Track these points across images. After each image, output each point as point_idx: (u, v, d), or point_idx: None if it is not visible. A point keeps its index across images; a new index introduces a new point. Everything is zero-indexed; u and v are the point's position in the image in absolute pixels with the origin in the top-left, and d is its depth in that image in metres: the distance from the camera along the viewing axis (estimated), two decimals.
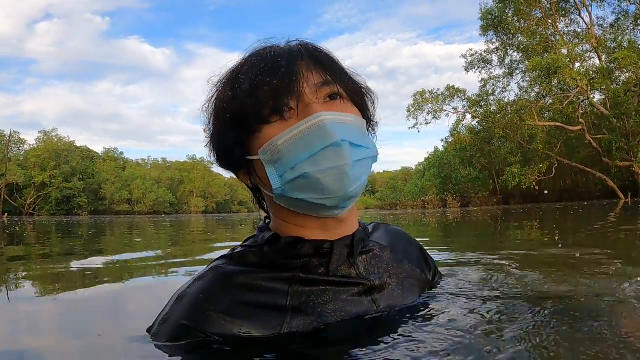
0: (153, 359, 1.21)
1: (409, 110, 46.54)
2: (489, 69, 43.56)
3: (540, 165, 40.16)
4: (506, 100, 41.70)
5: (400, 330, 1.25)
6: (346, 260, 1.37)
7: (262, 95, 1.27)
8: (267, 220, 1.50)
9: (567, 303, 1.47)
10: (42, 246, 7.67)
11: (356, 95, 1.42)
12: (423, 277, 1.63)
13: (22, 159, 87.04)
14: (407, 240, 1.72)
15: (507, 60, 42.40)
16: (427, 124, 46.05)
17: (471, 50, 43.76)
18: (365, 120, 1.43)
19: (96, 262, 4.99)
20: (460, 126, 50.10)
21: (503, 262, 2.55)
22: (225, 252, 1.42)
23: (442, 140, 62.12)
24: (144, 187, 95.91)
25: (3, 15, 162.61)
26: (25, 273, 4.04)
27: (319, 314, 1.27)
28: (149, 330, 1.32)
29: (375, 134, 1.54)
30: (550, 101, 38.03)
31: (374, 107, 1.51)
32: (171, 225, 18.08)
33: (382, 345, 1.17)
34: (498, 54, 42.42)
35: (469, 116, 45.56)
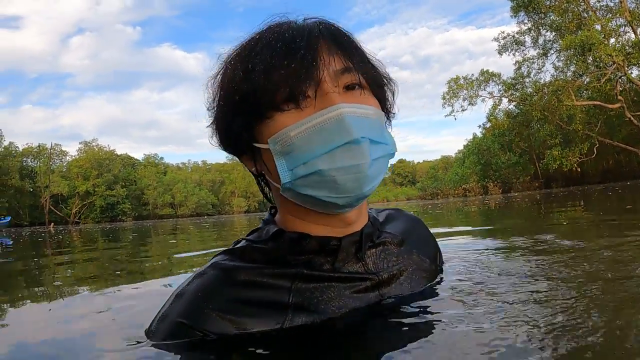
0: (149, 358, 1.18)
1: (444, 98, 46.25)
2: (523, 50, 42.80)
3: (581, 146, 39.46)
4: (542, 81, 41.03)
5: (405, 324, 1.21)
6: (353, 257, 1.30)
7: (276, 79, 1.16)
8: (273, 211, 1.44)
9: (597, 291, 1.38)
10: (88, 251, 7.80)
11: (376, 85, 1.32)
12: (432, 268, 1.55)
13: (64, 170, 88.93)
14: (419, 227, 1.65)
15: (541, 41, 41.60)
16: (463, 110, 45.74)
17: (503, 32, 43.06)
18: (383, 113, 1.34)
19: (141, 262, 5.06)
20: (497, 111, 49.21)
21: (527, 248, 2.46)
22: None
23: (479, 127, 61.79)
24: (186, 190, 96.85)
25: (37, 33, 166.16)
26: (69, 274, 4.15)
27: (322, 310, 1.22)
28: (146, 330, 1.29)
29: (391, 124, 1.44)
30: (587, 80, 37.16)
31: (394, 97, 1.41)
32: (214, 225, 18.23)
33: (386, 341, 1.15)
34: (531, 34, 41.62)
35: (505, 100, 45.10)
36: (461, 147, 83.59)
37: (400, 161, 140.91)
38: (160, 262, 4.54)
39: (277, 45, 1.19)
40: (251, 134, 1.25)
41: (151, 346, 1.20)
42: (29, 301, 2.73)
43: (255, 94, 1.18)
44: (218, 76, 1.32)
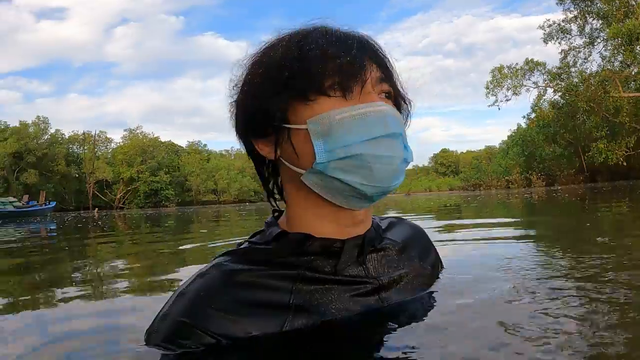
0: (149, 357, 1.17)
1: (487, 87, 45.91)
2: (569, 39, 42.03)
3: (628, 140, 38.58)
4: (588, 71, 40.35)
5: (404, 328, 1.22)
6: (355, 260, 1.31)
7: (331, 66, 1.21)
8: (276, 214, 1.44)
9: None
10: (132, 235, 8.09)
11: (401, 98, 1.39)
12: (433, 275, 1.58)
13: (109, 156, 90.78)
14: (420, 236, 1.65)
15: (587, 29, 40.78)
16: (507, 100, 45.31)
17: (549, 20, 42.32)
18: None
19: (182, 246, 5.16)
20: (541, 101, 48.58)
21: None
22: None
23: (524, 117, 60.38)
24: (229, 177, 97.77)
25: (81, 24, 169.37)
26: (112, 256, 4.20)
27: (322, 312, 1.22)
28: (148, 329, 1.26)
29: None
30: (635, 70, 36.24)
31: (408, 118, 1.45)
32: (255, 212, 18.41)
33: (384, 343, 1.16)
34: (577, 22, 40.80)
35: (550, 90, 44.52)
36: (505, 138, 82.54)
37: (444, 151, 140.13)
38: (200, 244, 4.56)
39: (331, 39, 1.26)
40: (286, 114, 1.25)
41: (152, 345, 1.20)
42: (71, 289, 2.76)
43: (307, 75, 1.22)
44: (257, 55, 1.34)
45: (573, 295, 1.43)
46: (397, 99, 1.37)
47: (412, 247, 1.52)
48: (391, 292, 1.35)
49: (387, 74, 1.31)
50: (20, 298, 2.58)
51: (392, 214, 11.53)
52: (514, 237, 3.67)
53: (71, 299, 2.40)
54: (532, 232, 4.23)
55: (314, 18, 1.36)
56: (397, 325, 1.22)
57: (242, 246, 1.37)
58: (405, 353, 1.08)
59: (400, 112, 1.37)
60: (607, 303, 1.32)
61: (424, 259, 1.56)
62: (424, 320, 1.27)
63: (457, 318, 1.29)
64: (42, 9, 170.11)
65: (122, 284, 2.89)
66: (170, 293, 1.28)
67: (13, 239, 9.06)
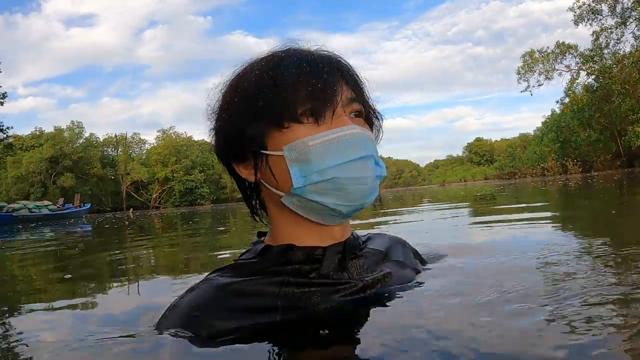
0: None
1: (519, 73, 45.60)
2: (600, 20, 41.42)
3: None
4: (622, 52, 39.47)
5: (392, 320, 1.24)
6: (337, 266, 1.35)
7: (303, 94, 1.26)
8: (261, 237, 1.50)
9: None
10: (170, 234, 8.20)
11: (369, 119, 1.46)
12: (418, 271, 1.63)
13: (144, 157, 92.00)
14: (402, 245, 1.69)
15: (618, 9, 40.02)
16: (539, 85, 44.92)
17: (579, 1, 41.40)
18: None
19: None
20: (575, 85, 48.00)
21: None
22: None
23: (557, 102, 59.61)
24: None
25: (110, 29, 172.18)
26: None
27: (310, 312, 1.27)
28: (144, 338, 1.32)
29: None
30: None
31: (379, 133, 1.54)
32: None
33: (372, 337, 1.17)
34: (607, 2, 39.98)
35: (583, 73, 43.97)
36: (539, 124, 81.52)
37: (478, 139, 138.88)
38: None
39: (303, 65, 1.30)
40: (263, 140, 1.32)
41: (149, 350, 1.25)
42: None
43: (280, 104, 1.27)
44: (233, 83, 1.40)
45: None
46: (369, 115, 1.44)
47: (393, 253, 1.57)
48: (376, 289, 1.37)
49: (357, 92, 1.37)
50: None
51: (426, 202, 11.42)
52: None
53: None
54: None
55: (286, 40, 1.43)
56: (383, 317, 1.26)
57: (230, 264, 1.41)
58: (392, 345, 1.09)
59: (372, 127, 1.46)
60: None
61: (407, 261, 1.61)
62: (411, 308, 1.30)
63: (443, 300, 1.33)
64: (70, 17, 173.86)
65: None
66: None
67: (48, 238, 9.64)
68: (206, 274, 1.42)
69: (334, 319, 1.25)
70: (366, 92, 1.44)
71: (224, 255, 3.59)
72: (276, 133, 1.29)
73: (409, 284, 1.48)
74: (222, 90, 1.42)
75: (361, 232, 1.59)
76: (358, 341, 1.16)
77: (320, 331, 1.20)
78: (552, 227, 3.84)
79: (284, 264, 1.33)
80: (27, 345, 1.54)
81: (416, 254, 1.78)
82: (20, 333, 1.77)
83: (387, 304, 1.34)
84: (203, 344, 1.18)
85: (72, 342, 1.53)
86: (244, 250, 1.49)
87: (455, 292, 1.41)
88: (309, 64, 1.31)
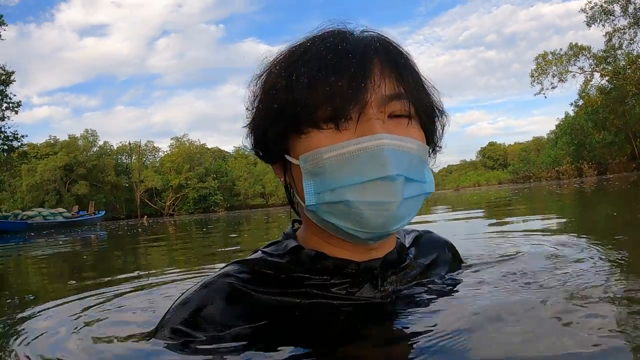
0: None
1: (532, 75, 45.49)
2: (612, 20, 41.17)
3: None
4: (635, 53, 39.17)
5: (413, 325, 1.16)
6: (371, 284, 1.23)
7: (320, 95, 1.09)
8: (296, 225, 1.39)
9: None
10: (183, 241, 8.25)
11: (426, 116, 1.23)
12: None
13: (158, 165, 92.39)
14: (445, 253, 1.56)
15: (631, 9, 39.80)
16: (553, 88, 44.85)
17: (590, 2, 41.19)
18: (427, 147, 1.25)
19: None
20: (589, 87, 47.84)
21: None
22: None
23: (571, 105, 59.39)
24: (276, 181, 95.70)
25: (123, 39, 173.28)
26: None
27: (330, 328, 1.17)
28: (149, 334, 1.24)
29: (434, 158, 1.36)
30: None
31: (443, 130, 1.32)
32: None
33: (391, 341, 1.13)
34: (620, 2, 39.68)
35: (597, 75, 43.85)
36: (553, 128, 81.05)
37: (491, 144, 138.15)
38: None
39: (327, 57, 1.12)
40: (285, 145, 1.19)
41: (149, 351, 1.18)
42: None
43: (295, 107, 1.12)
44: (263, 76, 1.26)
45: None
46: (422, 115, 1.21)
47: (435, 266, 1.45)
48: (406, 305, 1.26)
49: (405, 85, 1.15)
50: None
51: (441, 209, 11.37)
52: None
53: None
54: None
55: (331, 20, 1.25)
56: (403, 320, 1.19)
57: (255, 254, 1.33)
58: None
59: (428, 130, 1.25)
60: None
61: (446, 272, 1.50)
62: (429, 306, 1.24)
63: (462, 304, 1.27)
64: (84, 27, 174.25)
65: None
66: None
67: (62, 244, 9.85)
68: (224, 265, 1.30)
69: (356, 336, 1.14)
70: (423, 83, 1.24)
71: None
72: (296, 139, 1.15)
73: (441, 299, 1.32)
74: (254, 84, 1.28)
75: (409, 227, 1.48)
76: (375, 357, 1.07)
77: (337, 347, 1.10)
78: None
79: (312, 272, 1.22)
80: (34, 345, 1.51)
81: (456, 254, 1.64)
82: (30, 332, 1.74)
83: (413, 320, 1.20)
84: (207, 347, 1.10)
85: (76, 339, 1.51)
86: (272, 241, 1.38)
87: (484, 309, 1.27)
88: (336, 54, 1.12)
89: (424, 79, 1.25)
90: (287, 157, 1.19)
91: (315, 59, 1.13)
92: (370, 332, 1.14)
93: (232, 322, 1.13)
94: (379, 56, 1.15)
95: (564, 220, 5.06)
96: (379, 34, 1.23)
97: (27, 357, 1.35)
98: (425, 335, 1.08)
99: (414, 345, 1.05)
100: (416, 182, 1.16)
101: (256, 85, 1.27)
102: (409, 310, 1.23)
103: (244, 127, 1.31)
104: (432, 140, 1.29)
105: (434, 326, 1.13)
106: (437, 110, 1.28)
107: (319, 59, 1.12)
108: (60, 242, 10.65)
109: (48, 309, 2.25)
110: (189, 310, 1.16)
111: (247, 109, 1.30)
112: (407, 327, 1.16)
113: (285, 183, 1.29)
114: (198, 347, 1.10)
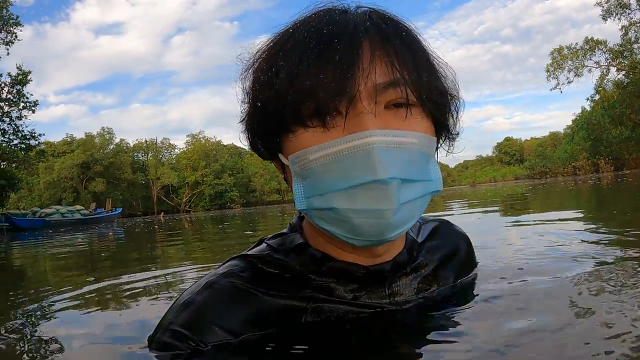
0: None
1: (547, 70, 44.97)
2: (628, 14, 40.55)
3: None
4: None
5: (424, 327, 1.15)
6: (379, 288, 1.17)
7: (303, 89, 0.97)
8: (301, 219, 1.29)
9: None
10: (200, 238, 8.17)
11: (432, 102, 1.08)
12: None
13: (174, 162, 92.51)
14: (462, 249, 1.47)
15: None
16: (569, 82, 44.28)
17: None
18: (435, 138, 1.12)
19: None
20: (605, 81, 47.21)
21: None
22: None
23: (587, 99, 58.66)
24: None
25: (139, 37, 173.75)
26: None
27: (337, 332, 1.12)
28: (149, 336, 1.17)
29: (452, 146, 1.23)
30: None
31: (456, 116, 1.18)
32: None
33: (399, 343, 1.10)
34: None
35: (613, 69, 43.30)
36: (570, 123, 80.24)
37: (507, 139, 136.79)
38: None
39: (309, 44, 1.00)
40: (277, 143, 1.10)
41: (150, 352, 1.14)
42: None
43: (278, 105, 1.02)
44: (250, 69, 1.15)
45: None
46: (427, 101, 1.06)
47: (450, 265, 1.37)
48: (416, 307, 1.21)
49: (403, 69, 1.01)
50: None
51: (456, 204, 11.25)
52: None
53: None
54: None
55: None
56: (412, 324, 1.16)
57: (259, 247, 1.26)
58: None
59: (438, 117, 1.12)
60: None
61: (460, 276, 1.40)
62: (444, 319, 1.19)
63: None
64: (99, 26, 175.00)
65: None
66: None
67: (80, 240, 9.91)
68: (227, 260, 1.24)
69: (362, 339, 1.10)
70: (429, 62, 1.10)
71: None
72: (286, 137, 1.06)
73: (452, 301, 1.28)
74: (246, 77, 1.16)
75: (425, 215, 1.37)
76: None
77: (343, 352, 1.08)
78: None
79: (318, 275, 1.15)
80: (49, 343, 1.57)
81: (471, 253, 1.54)
82: (45, 331, 1.80)
83: (423, 327, 1.16)
84: (209, 353, 1.05)
85: (82, 340, 1.58)
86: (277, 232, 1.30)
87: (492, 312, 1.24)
88: (319, 40, 1.00)
89: (432, 59, 1.11)
90: (280, 156, 1.10)
91: (296, 47, 1.01)
92: (377, 340, 1.10)
93: (236, 327, 1.08)
94: (369, 37, 1.01)
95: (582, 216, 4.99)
96: (373, 9, 1.10)
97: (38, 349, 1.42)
98: (433, 343, 1.07)
99: (423, 354, 1.03)
100: (417, 182, 1.04)
101: (245, 77, 1.16)
102: (418, 316, 1.19)
103: (239, 122, 1.21)
104: (444, 127, 1.16)
105: (443, 334, 1.11)
106: (447, 95, 1.13)
107: (300, 48, 1.00)
108: (79, 239, 10.74)
109: (64, 299, 2.34)
110: (191, 312, 1.09)
111: (242, 102, 1.19)
112: (416, 335, 1.13)
113: (286, 180, 1.18)
114: (199, 353, 1.05)
